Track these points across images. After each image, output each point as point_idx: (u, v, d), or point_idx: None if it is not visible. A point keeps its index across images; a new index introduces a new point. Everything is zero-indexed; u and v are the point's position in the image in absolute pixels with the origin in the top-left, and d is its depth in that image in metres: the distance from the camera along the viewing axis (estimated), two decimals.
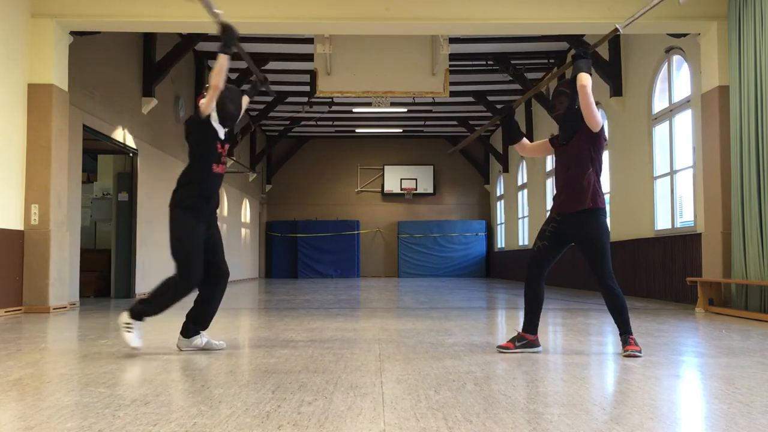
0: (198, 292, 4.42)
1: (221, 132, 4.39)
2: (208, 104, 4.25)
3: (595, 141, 4.26)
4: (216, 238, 4.45)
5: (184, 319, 4.44)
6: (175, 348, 4.45)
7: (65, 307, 8.05)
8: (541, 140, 4.69)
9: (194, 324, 4.40)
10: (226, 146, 4.45)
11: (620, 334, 4.23)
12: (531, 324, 4.31)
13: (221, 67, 4.22)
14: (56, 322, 6.56)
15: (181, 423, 2.46)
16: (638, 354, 4.07)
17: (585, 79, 4.18)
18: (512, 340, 4.32)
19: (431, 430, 2.38)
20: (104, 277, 11.02)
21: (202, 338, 4.40)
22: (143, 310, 4.24)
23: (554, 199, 4.44)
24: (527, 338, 4.29)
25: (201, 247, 4.30)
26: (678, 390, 3.29)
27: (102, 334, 5.43)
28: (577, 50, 4.34)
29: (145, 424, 2.43)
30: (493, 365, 3.82)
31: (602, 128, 4.29)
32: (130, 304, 4.29)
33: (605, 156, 12.26)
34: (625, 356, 4.07)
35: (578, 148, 4.27)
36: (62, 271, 8.03)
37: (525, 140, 4.62)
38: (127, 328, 4.17)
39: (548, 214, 4.49)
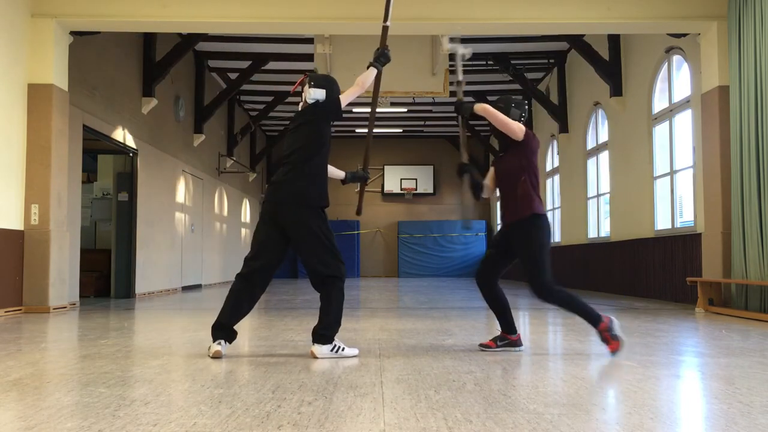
0: (254, 293, 4.19)
1: None
2: (348, 98, 4.24)
3: (524, 149, 4.32)
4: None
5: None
6: (174, 348, 4.44)
7: (65, 307, 8.05)
8: (489, 174, 4.65)
9: (236, 323, 4.19)
10: None
11: (595, 330, 4.23)
12: (507, 325, 4.43)
13: (371, 78, 4.32)
14: (56, 322, 6.56)
15: (181, 423, 2.46)
16: (618, 352, 4.11)
17: (480, 106, 4.28)
18: (494, 339, 4.45)
19: (431, 430, 2.38)
20: (104, 277, 11.02)
21: (317, 348, 4.16)
22: (332, 332, 4.07)
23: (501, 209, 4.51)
24: (509, 338, 4.43)
25: None
26: (678, 390, 3.29)
27: (102, 334, 5.43)
28: (458, 106, 4.41)
29: (145, 424, 2.43)
30: (493, 365, 3.82)
31: (527, 134, 4.30)
32: (319, 337, 4.05)
33: (605, 156, 12.32)
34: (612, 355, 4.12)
35: (509, 160, 4.37)
36: (62, 271, 8.04)
37: (485, 182, 4.60)
38: (338, 351, 4.05)
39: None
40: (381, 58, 4.37)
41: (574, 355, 4.25)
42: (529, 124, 17.28)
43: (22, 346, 4.69)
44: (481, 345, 4.48)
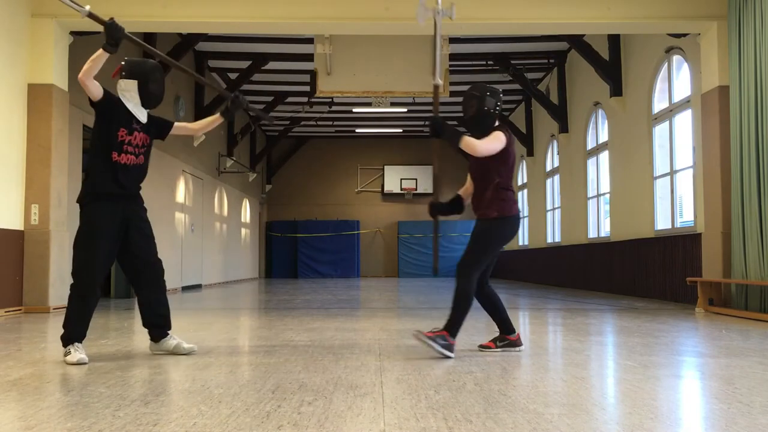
0: (136, 296, 4.29)
1: (139, 115, 4.14)
2: (87, 88, 3.94)
3: (501, 154, 4.26)
4: (141, 230, 4.18)
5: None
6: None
7: (65, 307, 8.04)
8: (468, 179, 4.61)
9: (150, 327, 4.25)
10: (139, 134, 4.14)
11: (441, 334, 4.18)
12: (504, 325, 4.42)
13: (97, 60, 3.88)
14: (56, 322, 6.55)
15: (181, 423, 2.46)
16: (435, 349, 4.08)
17: (467, 144, 4.14)
18: (494, 340, 4.46)
19: (431, 430, 2.38)
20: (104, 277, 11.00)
21: (171, 340, 4.24)
22: (62, 335, 4.04)
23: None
24: (508, 339, 4.42)
25: (103, 241, 4.02)
26: (678, 390, 3.29)
27: (102, 334, 5.43)
28: (432, 125, 4.26)
29: (145, 424, 2.43)
30: (493, 365, 3.82)
31: (505, 149, 4.23)
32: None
33: (605, 156, 12.32)
34: (414, 335, 4.16)
35: (484, 160, 4.27)
36: (62, 271, 8.03)
37: (462, 196, 4.59)
38: (65, 355, 3.93)
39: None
40: (109, 40, 3.86)
41: (574, 355, 4.25)
42: (529, 124, 17.27)
43: (22, 346, 4.70)
44: (480, 346, 4.49)
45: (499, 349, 4.38)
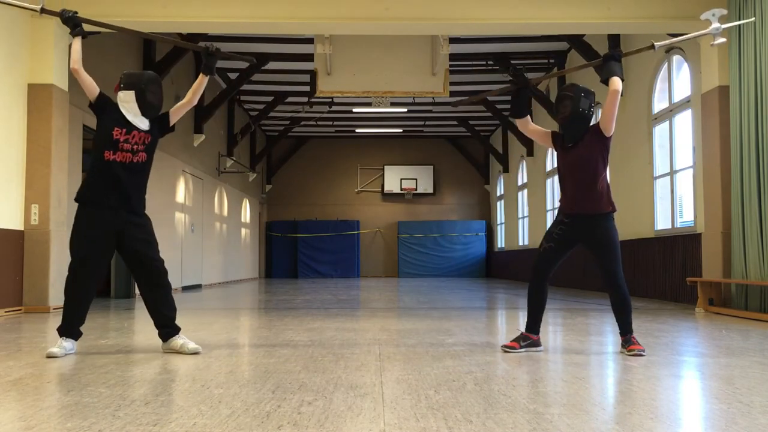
0: (143, 298, 4.39)
1: (139, 124, 4.24)
2: (80, 77, 4.24)
3: (607, 144, 4.35)
4: (136, 236, 4.23)
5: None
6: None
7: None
8: (543, 128, 4.72)
9: (158, 327, 4.33)
10: (139, 133, 4.22)
11: (622, 335, 4.30)
12: (535, 324, 4.40)
13: (73, 49, 4.35)
14: (56, 322, 6.53)
15: (181, 423, 2.46)
16: (642, 353, 4.14)
17: (618, 84, 4.28)
18: (517, 340, 4.38)
19: (431, 430, 2.38)
20: (104, 277, 11.00)
21: (178, 339, 4.27)
22: (59, 325, 4.28)
23: (562, 200, 4.45)
24: (531, 338, 4.38)
25: (91, 246, 4.15)
26: (678, 390, 3.29)
27: (102, 334, 5.43)
28: (611, 51, 4.35)
29: (145, 424, 2.43)
30: (493, 365, 3.82)
31: (611, 140, 4.38)
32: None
33: None
34: (630, 355, 4.12)
35: (590, 151, 4.32)
36: (62, 271, 7.97)
37: (529, 119, 4.63)
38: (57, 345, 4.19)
39: (555, 215, 4.56)
40: (69, 26, 4.42)
41: (574, 355, 4.25)
42: None
43: (22, 346, 4.70)
44: (504, 347, 4.37)
45: (523, 350, 4.31)
